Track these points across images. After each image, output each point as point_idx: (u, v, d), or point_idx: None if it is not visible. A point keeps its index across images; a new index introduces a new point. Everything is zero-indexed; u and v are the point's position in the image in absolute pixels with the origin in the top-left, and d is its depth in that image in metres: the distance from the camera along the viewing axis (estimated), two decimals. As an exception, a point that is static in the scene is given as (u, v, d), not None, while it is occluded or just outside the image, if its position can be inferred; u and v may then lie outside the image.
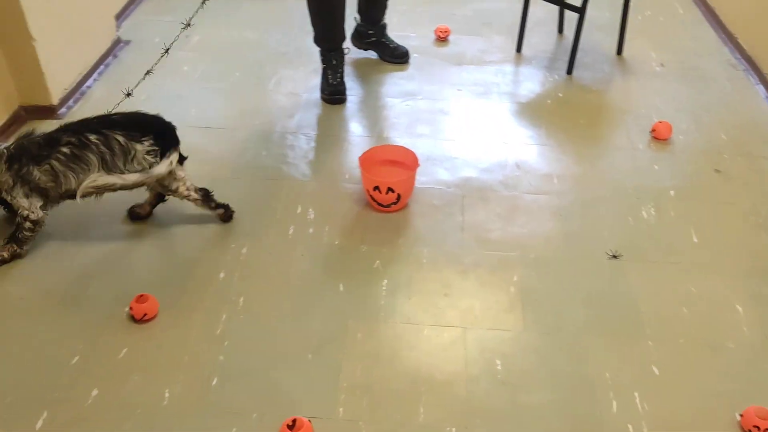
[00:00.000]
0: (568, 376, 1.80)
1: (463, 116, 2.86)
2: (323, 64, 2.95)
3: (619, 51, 3.27)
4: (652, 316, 1.96)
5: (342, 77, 2.95)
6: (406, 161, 2.41)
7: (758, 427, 1.61)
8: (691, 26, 3.51)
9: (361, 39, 3.20)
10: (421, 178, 2.48)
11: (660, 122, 2.68)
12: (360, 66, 3.18)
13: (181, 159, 2.17)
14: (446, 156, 2.62)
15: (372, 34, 3.17)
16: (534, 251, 2.19)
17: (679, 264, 2.13)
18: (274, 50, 3.31)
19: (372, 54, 3.20)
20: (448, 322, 1.95)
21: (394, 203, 2.31)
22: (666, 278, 2.08)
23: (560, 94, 2.99)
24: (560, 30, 3.47)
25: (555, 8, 3.38)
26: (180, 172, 2.15)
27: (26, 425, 1.66)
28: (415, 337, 1.91)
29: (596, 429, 1.67)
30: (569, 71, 3.12)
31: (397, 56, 3.19)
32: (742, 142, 2.67)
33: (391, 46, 3.20)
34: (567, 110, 2.90)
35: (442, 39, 3.38)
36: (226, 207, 2.28)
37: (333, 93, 2.91)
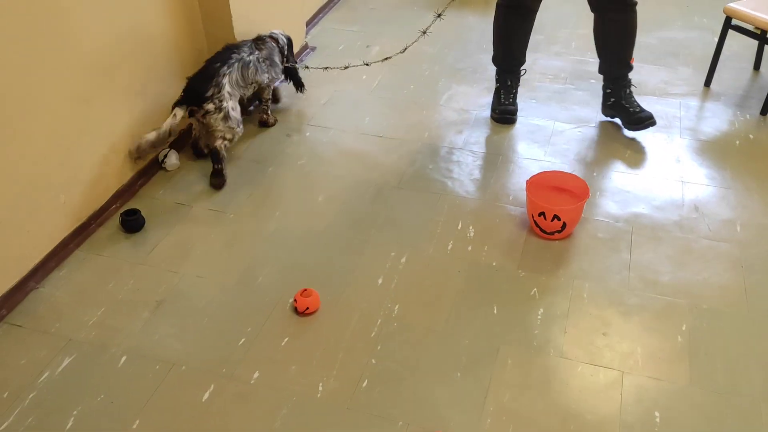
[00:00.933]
0: (736, 443, 1.66)
1: (637, 148, 2.73)
2: (497, 83, 2.95)
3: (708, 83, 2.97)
4: None
5: (515, 99, 2.93)
6: (576, 190, 2.34)
7: None
8: None
9: (603, 102, 2.85)
10: (589, 209, 2.40)
11: None
12: (534, 89, 3.15)
13: (192, 112, 2.50)
14: (617, 188, 2.52)
15: (610, 93, 2.80)
16: (708, 302, 2.04)
17: None
18: (450, 66, 3.36)
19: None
20: (606, 363, 1.87)
21: (559, 231, 2.26)
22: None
23: (751, 136, 2.77)
24: (757, 67, 3.22)
25: (753, 42, 3.13)
26: (216, 124, 2.50)
27: (194, 396, 1.81)
28: (568, 372, 1.85)
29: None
30: (763, 112, 2.88)
31: (634, 122, 2.71)
32: None
33: (631, 109, 2.72)
34: (758, 153, 2.68)
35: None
36: (217, 172, 2.53)
37: (503, 113, 2.90)
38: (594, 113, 2.95)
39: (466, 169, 2.65)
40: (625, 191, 2.50)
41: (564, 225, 2.24)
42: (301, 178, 2.61)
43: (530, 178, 2.35)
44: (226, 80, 2.50)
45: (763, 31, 2.95)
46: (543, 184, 2.38)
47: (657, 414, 1.73)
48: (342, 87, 3.16)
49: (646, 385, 1.80)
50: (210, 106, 2.47)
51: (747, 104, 2.95)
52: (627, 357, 1.89)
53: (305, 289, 2.05)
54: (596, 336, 1.95)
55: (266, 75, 2.74)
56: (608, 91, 2.81)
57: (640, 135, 2.80)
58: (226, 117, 2.50)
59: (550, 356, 1.90)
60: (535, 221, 2.28)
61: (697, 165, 2.64)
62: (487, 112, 2.98)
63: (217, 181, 2.53)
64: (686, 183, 2.53)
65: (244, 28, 2.81)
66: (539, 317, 2.02)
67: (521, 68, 2.92)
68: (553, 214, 2.22)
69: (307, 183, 2.58)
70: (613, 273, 2.16)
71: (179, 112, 2.47)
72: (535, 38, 3.52)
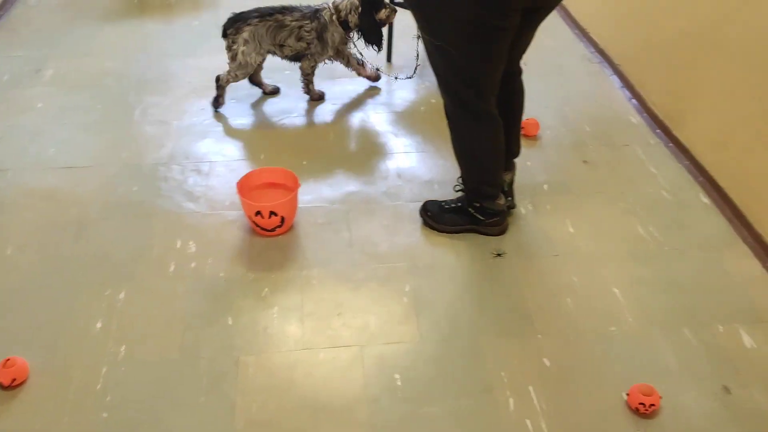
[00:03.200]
0: (466, 382, 1.81)
1: (340, 130, 2.84)
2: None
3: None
4: (539, 309, 2.02)
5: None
6: (287, 182, 2.36)
7: (644, 404, 1.69)
8: (547, 24, 3.67)
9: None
10: (304, 198, 2.43)
11: (527, 120, 2.79)
12: (233, 88, 3.10)
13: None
14: (327, 172, 2.59)
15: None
16: (422, 259, 2.20)
17: (558, 256, 2.21)
18: (138, 78, 3.16)
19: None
20: (345, 342, 1.92)
21: (279, 226, 2.26)
22: (548, 271, 2.16)
23: (433, 100, 3.04)
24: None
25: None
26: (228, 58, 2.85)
27: None
28: (311, 362, 1.86)
29: (498, 430, 1.69)
30: (413, 75, 3.18)
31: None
32: (605, 132, 2.83)
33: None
34: (441, 115, 2.94)
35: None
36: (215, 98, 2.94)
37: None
38: (294, 103, 3.00)
39: (175, 183, 2.51)
40: (336, 173, 2.59)
41: (282, 219, 2.24)
42: (-18, 233, 2.25)
43: (240, 179, 2.31)
44: (248, 29, 2.75)
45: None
46: (254, 183, 2.36)
47: (397, 376, 1.82)
48: (12, 120, 2.79)
49: (384, 353, 1.89)
50: (226, 42, 2.81)
51: (424, 72, 3.24)
52: (362, 330, 1.96)
53: (7, 359, 1.77)
54: (332, 318, 1.99)
55: (303, 44, 2.85)
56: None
57: (340, 117, 2.91)
58: (234, 57, 2.80)
59: (291, 351, 1.89)
60: (254, 221, 2.25)
61: (394, 136, 2.82)
62: (189, 121, 2.86)
63: (215, 102, 2.94)
64: (388, 154, 2.70)
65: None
66: (275, 315, 2.00)
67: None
68: (269, 211, 2.20)
69: (-10, 237, 2.24)
70: (337, 254, 2.22)
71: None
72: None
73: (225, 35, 2.80)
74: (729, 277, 2.12)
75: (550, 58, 3.36)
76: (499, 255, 2.21)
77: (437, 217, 2.31)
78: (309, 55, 2.91)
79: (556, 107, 2.99)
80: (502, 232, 2.30)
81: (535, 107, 2.97)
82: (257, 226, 2.25)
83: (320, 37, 2.86)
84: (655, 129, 2.83)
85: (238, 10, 2.81)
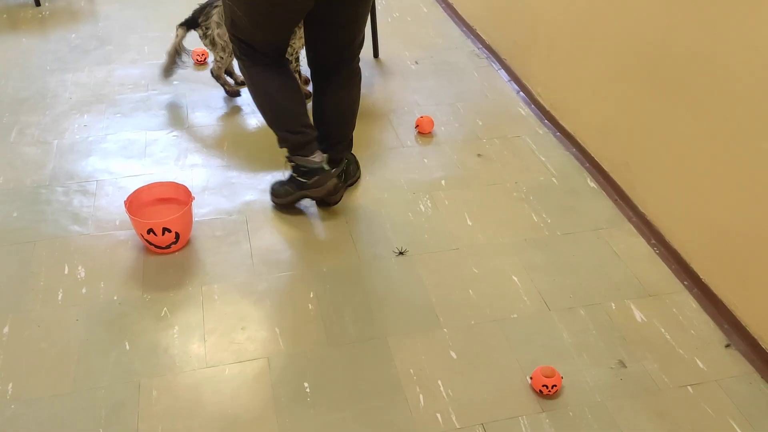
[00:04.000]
0: (376, 383, 1.81)
1: (235, 139, 2.78)
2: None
3: (376, 54, 3.40)
4: (443, 303, 2.05)
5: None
6: (179, 196, 2.28)
7: (546, 386, 1.75)
8: (436, 23, 3.76)
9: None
10: (200, 211, 2.36)
11: (422, 117, 2.83)
12: (116, 102, 2.96)
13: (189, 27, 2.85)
14: (223, 182, 2.53)
15: None
16: (326, 263, 2.18)
17: (459, 249, 2.25)
18: (12, 96, 2.97)
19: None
20: (251, 356, 1.88)
21: (174, 243, 2.18)
22: (450, 264, 2.19)
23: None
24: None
25: None
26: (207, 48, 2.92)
27: None
28: (217, 380, 1.81)
29: (411, 429, 1.70)
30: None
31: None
32: (496, 125, 2.91)
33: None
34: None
35: (200, 63, 3.27)
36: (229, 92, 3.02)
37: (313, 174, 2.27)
38: (184, 114, 2.91)
39: (58, 206, 2.37)
40: (231, 183, 2.53)
41: (177, 235, 2.17)
42: None
43: (127, 197, 2.21)
44: (216, 11, 2.77)
45: None
46: (144, 199, 2.27)
47: (306, 384, 1.80)
48: None
49: (291, 362, 1.86)
50: (199, 31, 2.84)
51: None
52: (269, 342, 1.92)
53: None
54: (236, 333, 1.94)
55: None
56: None
57: (242, 126, 2.85)
58: (213, 42, 2.84)
59: (195, 371, 1.83)
60: (146, 240, 2.16)
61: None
62: (71, 139, 2.71)
63: (229, 94, 3.03)
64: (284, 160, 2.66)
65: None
66: (176, 335, 1.93)
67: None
68: (162, 228, 2.12)
69: None
70: (238, 266, 2.17)
71: (180, 32, 2.85)
72: (105, 49, 3.33)
73: (197, 25, 2.85)
74: (618, 256, 2.23)
75: (441, 55, 3.43)
76: (401, 253, 2.22)
77: (275, 192, 2.39)
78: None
79: (449, 103, 3.05)
80: (329, 193, 2.28)
81: (428, 105, 3.02)
82: (151, 244, 2.16)
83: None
84: (543, 120, 2.94)
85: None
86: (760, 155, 1.79)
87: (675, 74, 2.09)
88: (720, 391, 1.79)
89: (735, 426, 1.71)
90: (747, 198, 1.85)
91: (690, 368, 1.85)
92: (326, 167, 2.26)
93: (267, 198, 2.45)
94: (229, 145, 2.74)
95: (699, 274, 2.09)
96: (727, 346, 1.92)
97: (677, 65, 2.07)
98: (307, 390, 1.79)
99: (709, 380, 1.82)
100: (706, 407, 1.75)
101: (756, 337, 1.88)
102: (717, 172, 1.96)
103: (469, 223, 2.37)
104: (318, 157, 2.25)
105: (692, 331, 1.96)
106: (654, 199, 2.29)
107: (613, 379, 1.83)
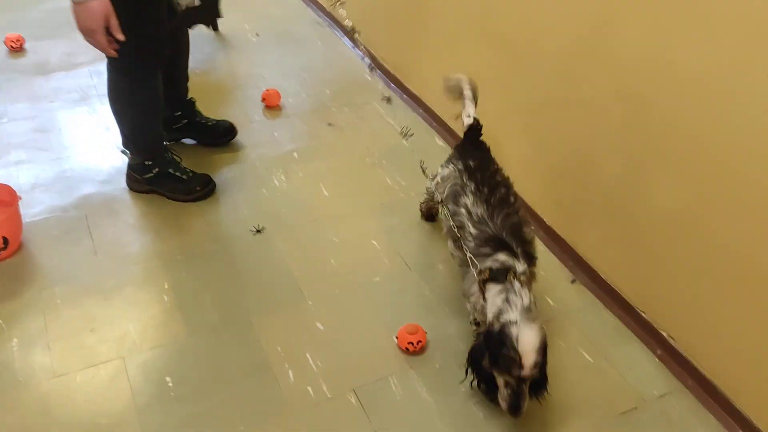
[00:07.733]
0: (243, 365, 1.75)
1: (64, 129, 2.56)
2: (157, 168, 2.24)
3: (215, 28, 3.26)
4: (305, 276, 2.02)
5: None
6: (2, 197, 2.06)
7: (412, 343, 1.78)
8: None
9: (169, 127, 2.41)
10: (30, 211, 2.16)
11: (268, 90, 2.75)
12: None
13: None
14: (56, 178, 2.32)
15: (180, 116, 2.44)
16: (180, 251, 2.08)
17: (317, 220, 2.23)
18: None
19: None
20: (104, 359, 1.75)
21: (3, 249, 1.97)
22: (309, 237, 2.16)
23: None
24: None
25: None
26: None
27: None
28: (68, 389, 1.67)
29: (283, 405, 1.67)
30: None
31: (221, 134, 2.51)
32: (344, 93, 2.89)
33: (209, 124, 2.50)
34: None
35: (16, 49, 2.97)
36: None
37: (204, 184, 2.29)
38: (2, 107, 2.63)
39: None
40: (65, 177, 2.33)
41: (5, 240, 1.96)
42: None
43: (-60, 204, 1.97)
44: None
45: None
46: (-38, 204, 2.03)
47: (168, 379, 1.71)
48: None
49: (150, 358, 1.76)
50: None
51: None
52: (122, 341, 1.80)
53: None
54: (85, 336, 1.80)
55: None
56: (178, 113, 2.44)
57: (64, 115, 2.62)
58: None
59: (42, 382, 1.68)
60: (-30, 249, 1.94)
61: (128, 127, 2.61)
62: None
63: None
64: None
65: None
66: (15, 348, 1.76)
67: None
68: (-13, 233, 1.92)
69: None
70: (81, 265, 2.01)
71: None
72: None
73: None
74: (470, 209, 2.31)
75: (282, 26, 3.35)
76: (259, 231, 2.16)
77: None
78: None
79: (295, 74, 2.99)
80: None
81: (274, 77, 2.94)
82: (-23, 253, 1.95)
83: None
84: (389, 84, 2.96)
85: None
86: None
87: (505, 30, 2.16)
88: (569, 323, 1.91)
89: (585, 354, 1.84)
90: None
91: (543, 306, 1.96)
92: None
93: (107, 189, 2.28)
94: (58, 135, 2.52)
95: (542, 217, 2.20)
96: (573, 281, 2.05)
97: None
98: (170, 384, 1.70)
99: (558, 315, 1.94)
100: (558, 341, 1.86)
101: (595, 269, 2.02)
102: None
103: (326, 193, 2.34)
104: None
105: (542, 272, 2.07)
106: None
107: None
